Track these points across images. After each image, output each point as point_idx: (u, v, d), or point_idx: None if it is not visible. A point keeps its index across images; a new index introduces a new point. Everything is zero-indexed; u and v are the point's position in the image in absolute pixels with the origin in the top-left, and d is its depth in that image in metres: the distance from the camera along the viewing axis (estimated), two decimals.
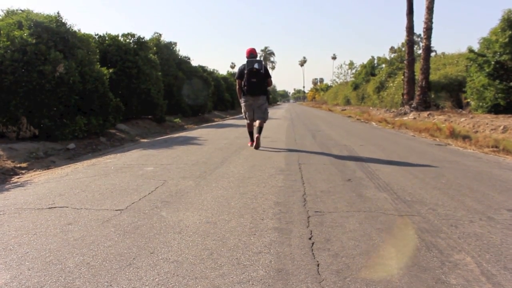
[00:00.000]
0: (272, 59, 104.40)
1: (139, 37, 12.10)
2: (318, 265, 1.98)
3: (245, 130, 7.37)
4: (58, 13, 7.80)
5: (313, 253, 2.13)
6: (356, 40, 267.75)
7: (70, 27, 7.94)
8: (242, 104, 6.77)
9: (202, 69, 20.78)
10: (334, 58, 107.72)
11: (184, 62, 17.88)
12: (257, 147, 6.49)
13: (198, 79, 17.84)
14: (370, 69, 31.39)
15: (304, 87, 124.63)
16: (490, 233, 2.43)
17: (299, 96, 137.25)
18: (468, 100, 12.57)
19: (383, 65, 29.67)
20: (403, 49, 22.05)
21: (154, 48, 15.10)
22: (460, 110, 12.84)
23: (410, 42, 16.01)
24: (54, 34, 7.39)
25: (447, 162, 5.12)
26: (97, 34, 11.08)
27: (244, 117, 6.92)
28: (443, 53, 24.21)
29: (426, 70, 14.52)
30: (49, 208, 3.12)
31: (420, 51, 17.59)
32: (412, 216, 2.77)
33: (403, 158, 5.44)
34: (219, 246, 2.24)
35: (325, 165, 4.87)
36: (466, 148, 6.66)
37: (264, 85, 6.58)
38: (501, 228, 2.52)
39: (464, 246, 2.22)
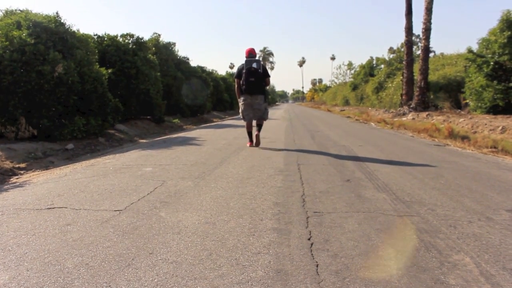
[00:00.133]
0: (271, 59, 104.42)
1: (138, 38, 12.10)
2: (317, 266, 1.98)
3: (244, 130, 7.37)
4: (57, 13, 7.80)
5: (312, 254, 2.13)
6: (355, 41, 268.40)
7: (69, 27, 7.94)
8: (241, 104, 6.81)
9: (201, 69, 20.79)
10: (333, 58, 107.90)
11: (183, 63, 17.88)
12: (257, 145, 6.57)
13: (197, 79, 17.83)
14: (369, 69, 31.45)
15: (303, 87, 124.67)
16: (489, 233, 2.43)
17: (298, 96, 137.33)
18: (467, 100, 12.59)
19: (382, 66, 29.74)
20: (402, 49, 22.06)
21: (153, 48, 15.10)
22: (459, 110, 12.87)
23: (409, 42, 16.02)
24: (53, 34, 7.39)
25: (446, 162, 5.13)
26: (96, 34, 11.09)
27: (241, 116, 6.92)
28: (442, 54, 24.27)
29: (425, 71, 14.54)
30: (48, 208, 3.12)
31: (419, 52, 17.59)
32: (411, 217, 2.77)
33: (402, 158, 5.45)
34: (218, 247, 2.24)
35: (324, 165, 4.87)
36: (465, 149, 6.67)
37: (262, 84, 6.65)
38: (500, 228, 2.52)
39: (463, 246, 2.23)
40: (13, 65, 6.58)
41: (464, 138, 7.72)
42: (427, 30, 14.39)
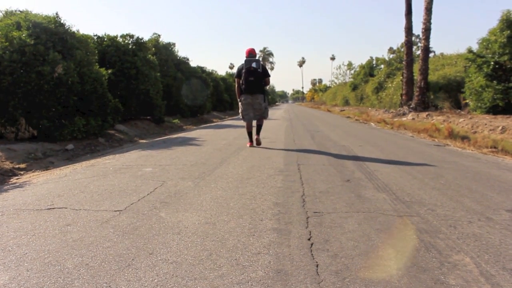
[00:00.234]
0: (271, 59, 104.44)
1: (137, 38, 12.10)
2: (317, 266, 1.98)
3: (244, 130, 7.38)
4: (56, 13, 7.81)
5: (312, 254, 2.13)
6: (355, 41, 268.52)
7: (69, 27, 7.94)
8: (240, 103, 6.85)
9: (201, 69, 20.79)
10: (332, 58, 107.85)
11: (183, 63, 17.88)
12: (258, 145, 6.78)
13: (197, 79, 17.83)
14: (369, 69, 31.47)
15: (303, 87, 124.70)
16: (489, 233, 2.43)
17: (298, 96, 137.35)
18: (467, 100, 12.59)
19: (382, 66, 29.76)
20: (402, 49, 22.07)
21: (153, 48, 15.10)
22: (459, 110, 12.87)
23: (409, 42, 16.02)
24: (52, 35, 7.39)
25: (446, 162, 5.13)
26: (96, 35, 11.09)
27: (241, 116, 6.94)
28: (441, 54, 24.26)
29: (424, 71, 14.54)
30: (48, 209, 3.12)
31: (419, 52, 17.60)
32: (411, 217, 2.77)
33: (402, 158, 5.45)
34: (218, 247, 2.24)
35: (324, 165, 4.87)
36: (465, 149, 6.67)
37: (262, 83, 6.70)
38: (500, 228, 2.52)
39: (463, 246, 2.23)
40: (13, 65, 6.58)
41: (464, 138, 7.72)
42: (427, 30, 14.39)
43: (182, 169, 4.74)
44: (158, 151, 6.65)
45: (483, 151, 6.32)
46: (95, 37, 10.96)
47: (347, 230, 2.50)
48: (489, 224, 2.60)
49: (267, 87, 7.13)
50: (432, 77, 16.30)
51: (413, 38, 20.61)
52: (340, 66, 66.42)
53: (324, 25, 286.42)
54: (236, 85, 6.85)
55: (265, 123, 7.23)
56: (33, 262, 2.08)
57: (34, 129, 7.25)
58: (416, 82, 15.38)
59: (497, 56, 10.80)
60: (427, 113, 13.12)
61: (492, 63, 10.78)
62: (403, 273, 1.90)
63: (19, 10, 7.95)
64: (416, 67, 15.93)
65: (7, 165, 5.32)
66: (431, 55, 21.04)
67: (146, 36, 20.72)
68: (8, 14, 7.83)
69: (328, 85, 71.45)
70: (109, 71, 9.60)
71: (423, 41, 14.74)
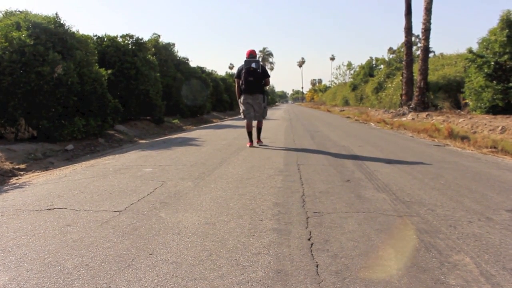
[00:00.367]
0: (270, 59, 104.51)
1: (137, 38, 12.10)
2: (317, 266, 1.98)
3: (244, 131, 7.38)
4: (56, 14, 7.81)
5: (312, 254, 2.13)
6: (355, 41, 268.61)
7: (69, 28, 7.94)
8: (241, 103, 6.92)
9: (201, 70, 20.79)
10: (332, 59, 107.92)
11: (182, 63, 17.88)
12: (259, 144, 7.07)
13: (196, 80, 17.83)
14: (369, 70, 31.47)
15: (302, 88, 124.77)
16: (489, 233, 2.43)
17: (298, 96, 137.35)
18: (467, 100, 12.59)
19: (382, 66, 29.77)
20: (402, 50, 22.08)
21: (153, 49, 15.11)
22: (459, 110, 12.87)
23: (409, 43, 16.03)
24: (52, 35, 7.39)
25: (446, 162, 5.13)
26: (96, 35, 11.09)
27: (242, 116, 7.00)
28: (441, 54, 24.25)
29: (424, 71, 14.55)
30: (47, 209, 3.11)
31: (418, 52, 17.61)
32: (411, 217, 2.77)
33: (402, 158, 5.45)
34: (218, 247, 2.24)
35: (324, 166, 4.87)
36: (465, 149, 6.67)
37: (261, 84, 6.78)
38: (500, 228, 2.52)
39: (463, 246, 2.23)
40: (13, 66, 6.58)
41: (464, 138, 7.72)
42: (426, 30, 14.40)
43: (182, 170, 4.74)
44: (158, 151, 6.65)
45: (483, 151, 6.32)
46: (95, 38, 10.96)
47: (347, 230, 2.50)
48: (489, 224, 2.60)
49: (267, 88, 7.19)
50: (432, 77, 16.30)
51: (413, 38, 20.62)
52: (339, 66, 66.55)
53: (324, 25, 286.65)
54: (236, 86, 6.93)
55: (265, 123, 7.26)
56: (33, 263, 2.08)
57: (34, 130, 7.24)
58: (416, 82, 15.38)
59: (497, 56, 10.81)
60: (427, 113, 13.12)
61: (493, 63, 10.79)
62: (403, 273, 1.90)
63: (19, 11, 7.95)
64: (416, 67, 15.93)
65: (7, 165, 5.31)
66: (431, 55, 21.06)
67: (146, 36, 20.72)
68: (8, 14, 7.83)
69: (327, 85, 71.43)
70: (109, 71, 9.59)
71: (423, 41, 14.75)
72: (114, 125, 9.35)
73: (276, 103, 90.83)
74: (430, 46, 14.90)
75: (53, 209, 3.12)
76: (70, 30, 7.98)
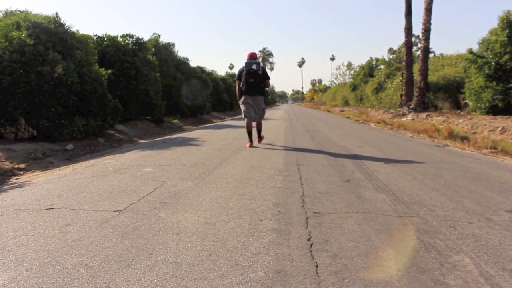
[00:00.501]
0: (270, 60, 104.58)
1: (137, 38, 12.10)
2: (317, 266, 1.98)
3: (244, 131, 7.40)
4: (56, 14, 7.80)
5: (311, 254, 2.13)
6: (355, 41, 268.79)
7: (69, 28, 7.94)
8: (241, 104, 7.03)
9: (201, 70, 20.80)
10: (332, 59, 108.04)
11: (182, 63, 17.88)
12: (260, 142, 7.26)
13: (196, 80, 17.83)
14: (369, 70, 31.48)
15: (302, 88, 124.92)
16: (489, 234, 2.43)
17: (298, 97, 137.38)
18: (467, 101, 12.60)
19: (382, 66, 29.77)
20: (402, 50, 22.08)
21: (153, 49, 15.10)
22: (458, 111, 12.88)
23: (409, 43, 16.03)
24: (52, 35, 7.39)
25: (446, 163, 5.13)
26: (96, 35, 11.08)
27: (243, 116, 7.10)
28: (441, 54, 24.30)
29: (424, 71, 14.55)
30: (47, 209, 3.11)
31: (418, 52, 17.61)
32: (410, 217, 2.77)
33: (402, 159, 5.45)
34: (218, 247, 2.24)
35: (323, 166, 4.87)
36: (465, 149, 6.67)
37: (262, 85, 6.92)
38: (500, 229, 2.52)
39: (463, 247, 2.23)
40: (13, 65, 6.58)
41: (464, 138, 7.72)
42: (426, 31, 14.40)
43: (181, 170, 4.74)
44: (158, 151, 6.65)
45: (482, 152, 6.32)
46: (95, 37, 10.96)
47: (347, 230, 2.50)
48: (489, 225, 2.60)
49: (267, 88, 7.29)
50: (432, 77, 16.31)
51: (413, 39, 20.62)
52: (339, 66, 66.63)
53: (324, 26, 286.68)
54: (237, 87, 7.04)
55: (265, 123, 7.29)
56: (33, 262, 2.08)
57: (33, 129, 7.24)
58: (416, 82, 15.39)
59: (498, 56, 10.80)
60: (426, 113, 13.12)
61: (493, 63, 10.79)
62: (403, 273, 1.90)
63: (19, 10, 7.95)
64: (416, 67, 15.94)
65: (7, 165, 5.31)
66: (431, 55, 21.08)
67: (146, 36, 20.71)
68: (8, 14, 7.83)
69: (327, 86, 71.38)
70: (109, 71, 9.59)
71: (423, 42, 14.76)
72: (114, 125, 9.34)
73: (276, 103, 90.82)
74: (430, 46, 14.93)
75: (53, 208, 3.12)
76: (70, 30, 7.98)
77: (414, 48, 24.54)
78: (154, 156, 6.03)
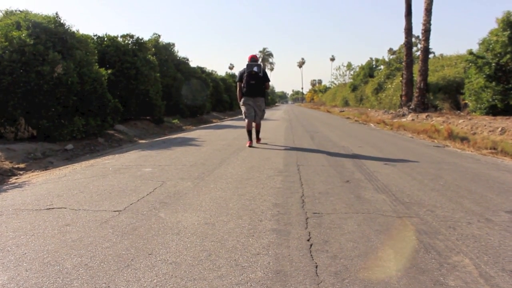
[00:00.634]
0: (270, 60, 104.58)
1: (137, 38, 12.10)
2: (316, 267, 1.98)
3: (244, 131, 7.42)
4: (56, 13, 7.80)
5: (311, 255, 2.13)
6: (355, 42, 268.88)
7: (69, 27, 7.94)
8: (242, 106, 7.12)
9: (201, 70, 20.79)
10: (332, 59, 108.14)
11: (182, 63, 17.88)
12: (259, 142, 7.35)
13: (196, 80, 17.83)
14: (369, 70, 31.48)
15: (302, 88, 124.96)
16: (488, 234, 2.43)
17: (298, 97, 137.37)
18: (466, 101, 12.60)
19: (382, 67, 29.77)
20: (402, 50, 22.08)
21: (153, 49, 15.10)
22: (458, 111, 12.88)
23: (409, 43, 16.04)
24: (52, 35, 7.38)
25: (445, 163, 5.13)
26: (96, 35, 11.08)
27: (244, 116, 7.18)
28: (441, 55, 24.31)
29: (424, 72, 14.56)
30: (47, 209, 3.11)
31: (418, 53, 17.63)
32: (410, 218, 2.77)
33: (402, 159, 5.45)
34: (218, 248, 2.24)
35: (323, 166, 4.87)
36: (464, 150, 6.67)
37: (262, 87, 7.03)
38: (499, 229, 2.52)
39: (463, 248, 2.23)
40: (13, 65, 6.58)
41: (464, 139, 7.73)
42: (426, 31, 14.41)
43: (181, 170, 4.74)
44: (158, 151, 6.64)
45: (482, 152, 6.32)
46: (95, 37, 10.95)
47: (347, 231, 2.50)
48: (489, 226, 2.60)
49: (267, 91, 7.43)
50: (432, 78, 16.32)
51: (413, 39, 20.62)
52: (339, 67, 66.63)
53: (324, 26, 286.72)
54: (238, 89, 7.13)
55: (265, 123, 7.31)
56: (32, 262, 2.08)
57: (33, 129, 7.24)
58: (415, 83, 15.40)
59: (498, 57, 10.80)
60: (426, 114, 13.13)
61: (493, 64, 10.79)
62: (403, 274, 1.90)
63: (19, 10, 7.95)
64: (416, 68, 15.95)
65: (7, 165, 5.31)
66: (430, 56, 21.08)
67: (146, 36, 20.71)
68: (8, 14, 7.82)
69: (327, 86, 71.37)
70: (109, 71, 9.58)
71: (423, 42, 14.76)
72: (114, 125, 9.34)
73: (276, 104, 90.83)
74: (430, 47, 14.94)
75: (53, 208, 3.12)
76: (70, 30, 7.97)
77: (414, 48, 24.53)
78: (154, 156, 6.03)
